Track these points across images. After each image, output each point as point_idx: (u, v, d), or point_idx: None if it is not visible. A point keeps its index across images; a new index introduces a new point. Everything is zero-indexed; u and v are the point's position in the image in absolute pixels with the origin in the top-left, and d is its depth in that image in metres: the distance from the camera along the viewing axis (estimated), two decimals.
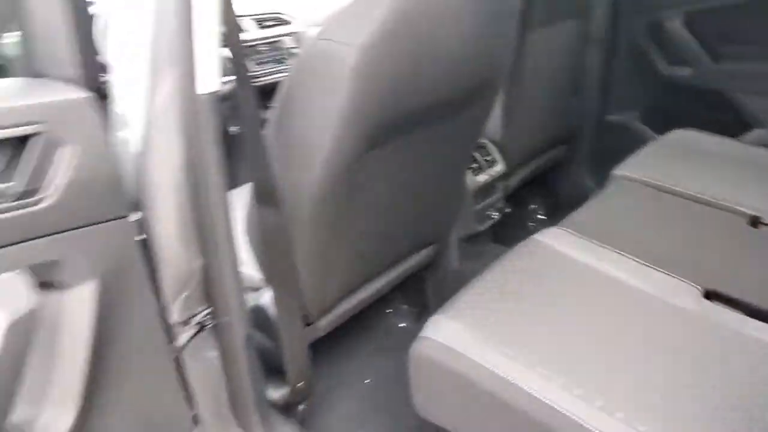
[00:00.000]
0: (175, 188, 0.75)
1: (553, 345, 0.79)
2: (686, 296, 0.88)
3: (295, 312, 0.95)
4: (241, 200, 0.91)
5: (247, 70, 0.84)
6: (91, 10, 0.74)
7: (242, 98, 0.80)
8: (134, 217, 0.70)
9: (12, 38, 1.23)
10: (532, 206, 1.74)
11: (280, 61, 1.83)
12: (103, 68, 0.73)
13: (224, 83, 0.76)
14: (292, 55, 1.67)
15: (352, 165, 0.81)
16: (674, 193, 1.19)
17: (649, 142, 1.46)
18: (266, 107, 0.89)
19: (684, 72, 1.59)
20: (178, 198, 0.76)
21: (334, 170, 0.80)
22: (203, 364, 0.90)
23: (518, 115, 1.44)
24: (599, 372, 0.74)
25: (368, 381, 1.26)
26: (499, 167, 1.45)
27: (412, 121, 0.87)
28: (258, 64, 1.72)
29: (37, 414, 0.58)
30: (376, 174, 0.90)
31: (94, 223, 0.63)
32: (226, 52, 0.76)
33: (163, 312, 0.77)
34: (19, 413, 0.55)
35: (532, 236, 1.05)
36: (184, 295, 0.80)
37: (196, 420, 0.92)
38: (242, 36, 1.84)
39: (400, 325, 1.36)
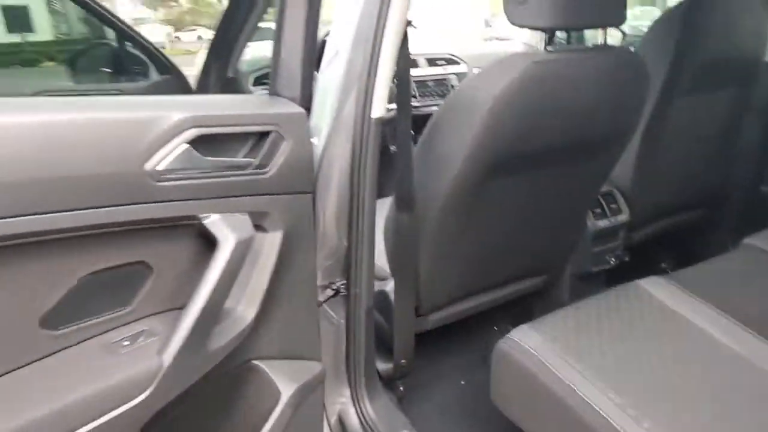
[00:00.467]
0: (339, 185, 1.02)
1: (626, 374, 0.89)
2: None
3: (410, 302, 1.16)
4: (384, 207, 1.15)
5: (410, 103, 1.09)
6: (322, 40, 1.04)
7: (401, 125, 1.04)
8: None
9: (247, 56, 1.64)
10: (658, 262, 1.74)
11: (442, 96, 2.09)
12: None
13: (390, 110, 1.01)
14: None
15: (475, 187, 1.01)
16: None
17: None
18: (418, 132, 1.13)
19: None
20: (340, 192, 1.02)
21: (460, 188, 1.00)
22: (331, 326, 1.15)
23: (652, 171, 1.50)
24: (666, 411, 0.82)
25: (464, 383, 1.42)
26: (623, 217, 1.52)
27: (533, 161, 1.04)
28: (422, 96, 2.00)
29: (236, 305, 0.88)
30: (496, 199, 1.08)
31: (291, 193, 0.92)
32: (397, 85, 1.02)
33: (314, 271, 1.03)
34: (227, 302, 0.85)
35: (635, 281, 1.13)
36: (328, 263, 1.06)
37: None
38: (414, 72, 2.15)
39: None
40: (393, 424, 1.13)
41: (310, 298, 1.03)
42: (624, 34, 1.82)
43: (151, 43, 1.66)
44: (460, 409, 1.35)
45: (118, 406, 0.75)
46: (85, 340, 0.80)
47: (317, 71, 1.03)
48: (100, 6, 1.50)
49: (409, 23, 0.96)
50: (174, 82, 1.72)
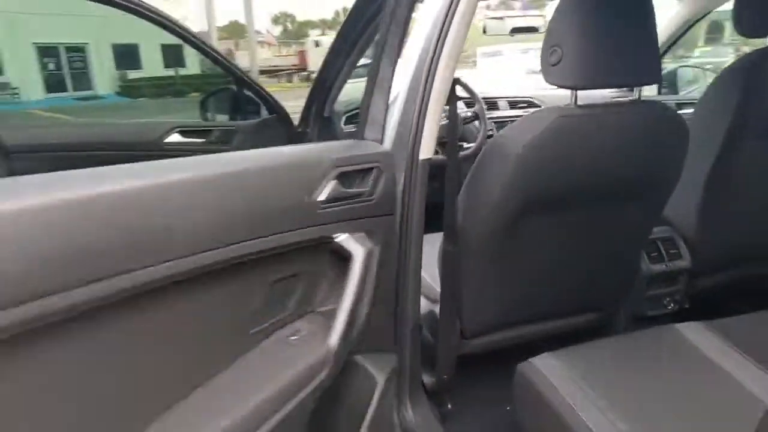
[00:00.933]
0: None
1: (640, 407, 0.95)
2: None
3: (453, 324, 1.29)
4: (437, 240, 1.30)
5: (457, 146, 1.24)
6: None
7: (450, 167, 1.20)
8: None
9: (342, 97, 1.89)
10: (725, 312, 1.69)
11: None
12: None
13: (436, 153, 1.18)
14: None
15: (508, 225, 1.13)
16: None
17: None
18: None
19: None
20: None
21: (494, 225, 1.13)
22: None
23: (718, 219, 1.49)
24: None
25: (509, 408, 1.50)
26: (683, 263, 1.52)
27: (564, 203, 1.14)
28: None
29: None
30: (532, 236, 1.19)
31: (386, 215, 1.15)
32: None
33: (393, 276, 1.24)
34: None
35: (672, 324, 1.17)
36: None
37: None
38: (495, 113, 2.28)
39: None
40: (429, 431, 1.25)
41: (389, 299, 1.21)
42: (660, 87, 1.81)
43: (263, 88, 1.98)
44: (500, 431, 1.43)
45: (305, 387, 1.02)
46: (265, 339, 1.07)
47: None
48: (224, 58, 1.84)
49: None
50: (279, 120, 2.01)
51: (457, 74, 1.16)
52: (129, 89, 24.82)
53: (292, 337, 1.10)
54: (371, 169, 1.11)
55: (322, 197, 1.03)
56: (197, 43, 1.76)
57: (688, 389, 0.98)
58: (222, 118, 2.18)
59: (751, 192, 1.48)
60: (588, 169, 1.09)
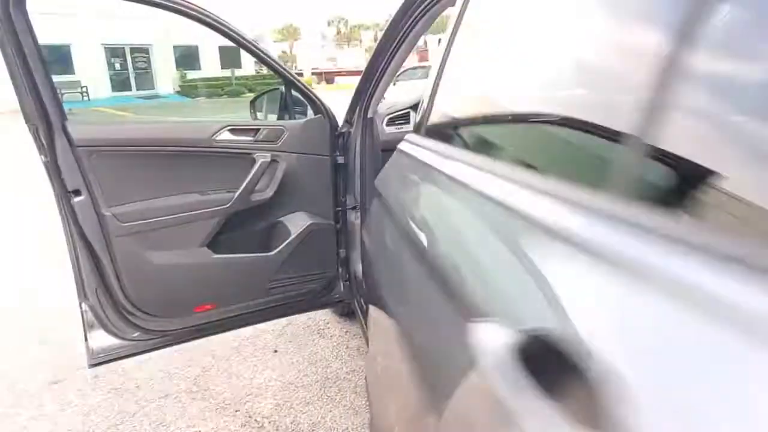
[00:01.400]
0: None
1: None
2: None
3: None
4: None
5: None
6: None
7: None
8: None
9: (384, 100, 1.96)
10: None
11: None
12: None
13: None
14: None
15: None
16: None
17: None
18: None
19: None
20: None
21: None
22: None
23: None
24: None
25: None
26: None
27: None
28: None
29: None
30: None
31: None
32: None
33: None
34: None
35: None
36: None
37: None
38: None
39: None
40: None
41: None
42: None
43: (309, 89, 2.07)
44: None
45: None
46: None
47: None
48: (275, 61, 1.95)
49: None
50: (324, 120, 2.10)
51: None
52: (188, 89, 25.87)
53: None
54: None
55: None
56: (249, 46, 1.87)
57: None
58: (271, 118, 2.30)
59: None
60: None
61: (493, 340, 0.55)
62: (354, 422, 2.08)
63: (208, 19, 1.75)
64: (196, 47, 28.28)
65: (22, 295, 3.39)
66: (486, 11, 1.07)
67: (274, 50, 34.33)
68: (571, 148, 0.72)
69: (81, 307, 1.90)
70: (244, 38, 1.86)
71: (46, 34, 1.58)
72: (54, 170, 1.69)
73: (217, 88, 25.10)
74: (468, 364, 0.60)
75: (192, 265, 1.94)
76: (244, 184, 1.94)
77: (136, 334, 1.96)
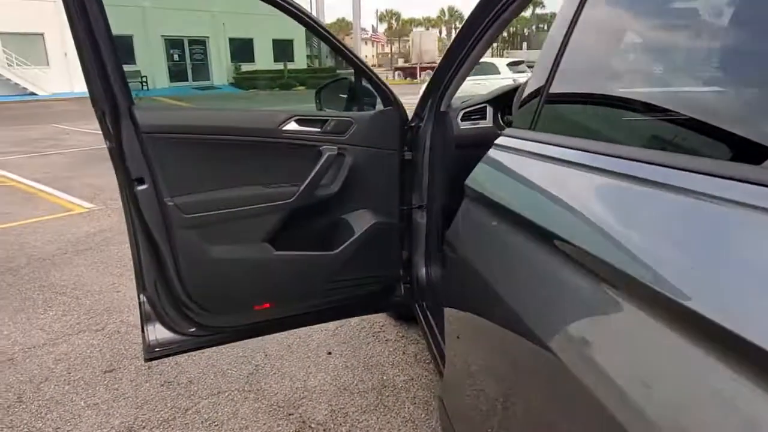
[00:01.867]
0: None
1: None
2: None
3: None
4: None
5: None
6: None
7: None
8: None
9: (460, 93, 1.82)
10: None
11: None
12: None
13: None
14: None
15: None
16: None
17: None
18: None
19: None
20: None
21: None
22: None
23: None
24: None
25: None
26: None
27: None
28: None
29: None
30: None
31: None
32: None
33: None
34: None
35: None
36: None
37: None
38: None
39: None
40: None
41: None
42: None
43: (380, 79, 1.94)
44: None
45: None
46: None
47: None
48: (347, 48, 1.83)
49: None
50: (394, 113, 1.97)
51: None
52: (241, 81, 26.39)
53: None
54: None
55: None
56: (325, 34, 1.76)
57: None
58: (337, 109, 2.19)
59: None
60: None
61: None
62: None
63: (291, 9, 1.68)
64: (251, 40, 28.81)
65: (78, 279, 3.43)
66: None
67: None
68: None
69: (139, 299, 1.85)
70: (320, 25, 1.76)
71: (111, 26, 1.52)
72: (119, 156, 1.63)
73: (269, 81, 25.48)
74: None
75: (252, 260, 1.85)
76: (309, 178, 1.83)
77: (192, 330, 1.89)
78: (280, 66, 27.74)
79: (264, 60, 29.28)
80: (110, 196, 5.57)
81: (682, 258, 0.57)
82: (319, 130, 1.88)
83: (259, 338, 2.38)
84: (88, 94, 1.53)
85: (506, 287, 0.91)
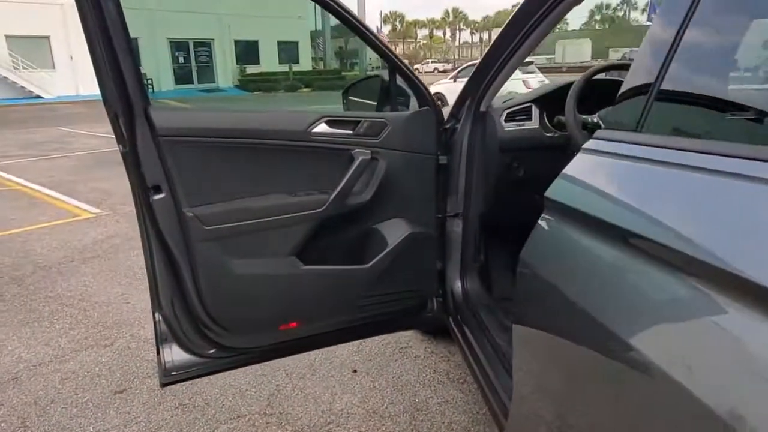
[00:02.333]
0: None
1: None
2: None
3: None
4: None
5: None
6: None
7: None
8: None
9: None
10: None
11: None
12: None
13: None
14: None
15: None
16: None
17: None
18: None
19: None
20: None
21: None
22: None
23: None
24: None
25: None
26: None
27: None
28: None
29: None
30: None
31: None
32: None
33: None
34: None
35: None
36: None
37: None
38: None
39: None
40: None
41: None
42: None
43: (417, 77, 1.78)
44: None
45: None
46: None
47: None
48: (382, 43, 1.66)
49: None
50: (431, 113, 1.80)
51: None
52: (247, 83, 26.29)
53: None
54: None
55: None
56: (360, 28, 1.60)
57: None
58: (365, 109, 2.03)
59: None
60: None
61: None
62: None
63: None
64: (256, 42, 28.74)
65: (86, 289, 3.28)
66: None
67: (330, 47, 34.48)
68: None
69: (154, 317, 1.68)
70: (354, 18, 1.60)
71: None
72: (133, 162, 1.47)
73: (275, 83, 25.37)
74: None
75: (279, 276, 1.68)
76: (341, 185, 1.66)
77: (212, 351, 1.72)
78: (285, 68, 27.63)
79: (269, 62, 29.19)
80: (118, 200, 5.43)
81: None
82: (350, 132, 1.72)
83: None
84: (93, 97, 1.41)
85: (615, 314, 0.76)
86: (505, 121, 1.92)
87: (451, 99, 2.15)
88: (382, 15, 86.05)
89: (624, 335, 0.73)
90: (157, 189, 1.50)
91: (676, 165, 0.76)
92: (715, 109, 0.85)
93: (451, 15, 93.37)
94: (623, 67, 1.95)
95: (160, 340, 1.68)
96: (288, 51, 29.67)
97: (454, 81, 13.38)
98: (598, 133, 0.98)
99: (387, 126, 1.75)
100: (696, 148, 0.77)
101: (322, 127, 1.68)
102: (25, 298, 3.15)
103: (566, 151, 2.07)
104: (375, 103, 2.00)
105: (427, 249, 1.94)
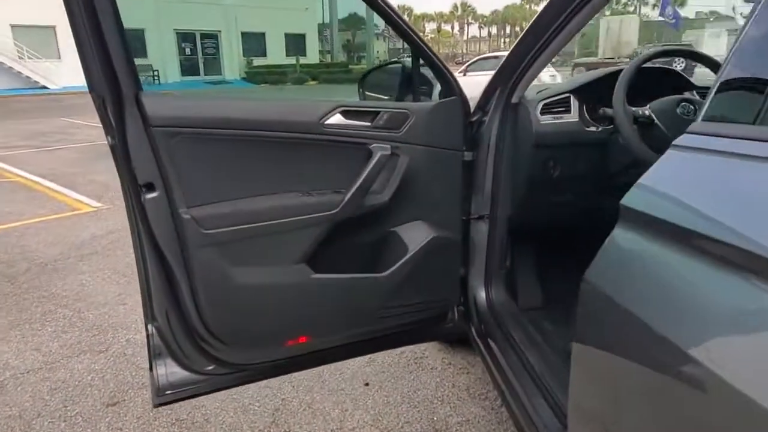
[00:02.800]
0: None
1: None
2: None
3: None
4: None
5: None
6: None
7: None
8: None
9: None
10: None
11: None
12: None
13: None
14: None
15: None
16: None
17: None
18: None
19: None
20: None
21: None
22: None
23: None
24: None
25: None
26: None
27: None
28: None
29: None
30: None
31: None
32: None
33: None
34: None
35: None
36: None
37: None
38: None
39: None
40: None
41: None
42: None
43: (444, 64, 1.58)
44: None
45: None
46: None
47: None
48: (408, 25, 1.47)
49: None
50: (458, 105, 1.61)
51: None
52: (253, 75, 26.08)
53: None
54: None
55: None
56: (387, 10, 1.40)
57: None
58: (384, 99, 1.84)
59: None
60: None
61: None
62: None
63: None
64: (263, 34, 28.50)
65: (82, 289, 3.11)
66: None
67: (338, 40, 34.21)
68: None
69: (147, 330, 1.51)
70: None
71: (123, 19, 1.19)
72: (122, 156, 1.29)
73: (281, 75, 25.14)
74: None
75: (286, 286, 1.49)
76: (357, 184, 1.47)
77: (211, 368, 1.55)
78: (292, 60, 27.37)
79: (276, 54, 28.94)
80: (119, 194, 5.26)
81: None
82: (368, 124, 1.53)
83: None
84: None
85: (727, 362, 0.58)
86: (541, 113, 1.72)
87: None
88: None
89: (736, 384, 0.56)
90: (150, 187, 1.31)
91: None
92: None
93: (459, 8, 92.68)
94: (678, 53, 1.75)
95: (153, 355, 1.50)
96: (295, 43, 29.41)
97: (464, 75, 13.15)
98: (694, 126, 0.78)
99: (410, 117, 1.56)
100: None
101: (336, 118, 1.49)
102: (17, 297, 2.99)
103: (606, 149, 1.88)
104: (390, 94, 1.81)
105: (451, 255, 1.76)
